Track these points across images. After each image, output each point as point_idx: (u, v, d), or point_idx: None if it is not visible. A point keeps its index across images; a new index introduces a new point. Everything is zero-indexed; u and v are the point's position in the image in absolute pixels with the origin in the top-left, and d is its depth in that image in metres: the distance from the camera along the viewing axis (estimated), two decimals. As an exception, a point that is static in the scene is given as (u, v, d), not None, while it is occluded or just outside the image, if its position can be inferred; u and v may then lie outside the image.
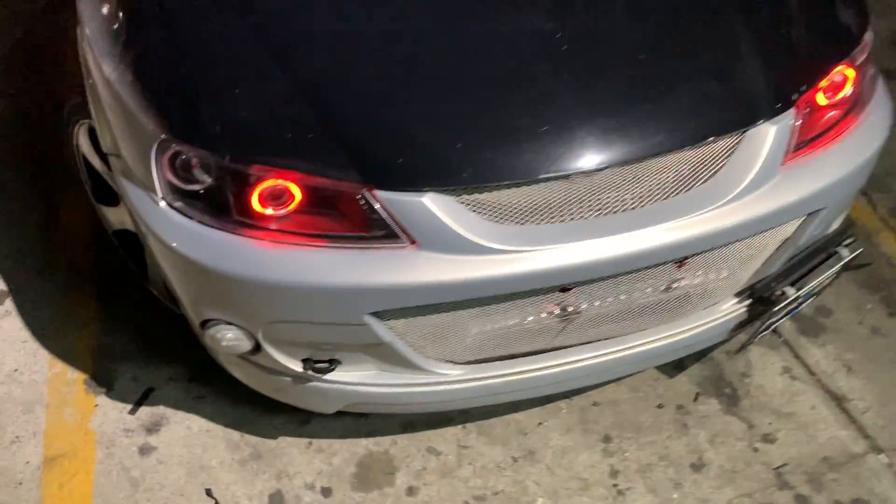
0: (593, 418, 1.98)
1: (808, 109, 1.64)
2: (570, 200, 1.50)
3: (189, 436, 1.97)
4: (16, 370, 2.12)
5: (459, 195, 1.45)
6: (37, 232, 2.43)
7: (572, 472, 1.89)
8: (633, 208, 1.53)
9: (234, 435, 1.97)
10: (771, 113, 1.57)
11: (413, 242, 1.46)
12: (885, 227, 2.41)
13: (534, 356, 1.70)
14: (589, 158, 1.47)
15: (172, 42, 1.57)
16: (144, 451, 1.95)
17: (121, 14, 1.66)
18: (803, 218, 1.70)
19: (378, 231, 1.46)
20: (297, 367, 1.64)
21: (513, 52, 1.55)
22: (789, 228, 1.71)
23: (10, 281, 2.31)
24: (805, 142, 1.65)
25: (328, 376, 1.65)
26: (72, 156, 2.15)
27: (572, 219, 1.50)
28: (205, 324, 1.62)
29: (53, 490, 1.88)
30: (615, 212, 1.52)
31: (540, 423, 1.98)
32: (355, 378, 1.67)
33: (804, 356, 2.10)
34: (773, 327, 1.87)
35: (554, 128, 1.48)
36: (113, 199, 2.06)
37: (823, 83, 1.65)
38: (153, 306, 2.17)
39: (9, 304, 2.26)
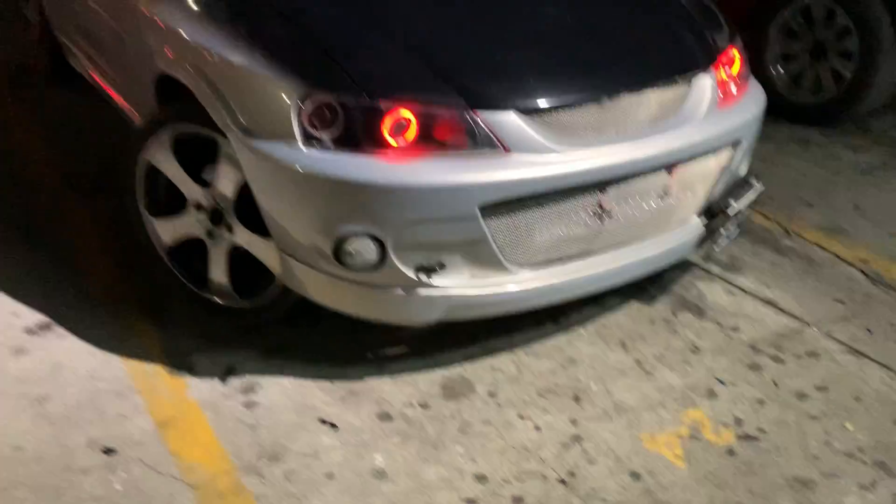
0: (607, 334, 2.50)
1: (721, 76, 2.44)
2: (602, 120, 2.13)
3: (285, 390, 2.22)
4: (92, 373, 2.26)
5: (532, 114, 2.04)
6: (75, 258, 2.65)
7: (607, 365, 2.37)
8: (641, 127, 2.20)
9: (325, 384, 2.25)
10: (706, 64, 2.37)
11: (506, 149, 2.00)
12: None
13: (581, 259, 2.23)
14: (609, 88, 2.14)
15: (299, 19, 2.07)
16: (249, 405, 2.17)
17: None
18: (731, 148, 2.45)
19: (480, 141, 1.99)
20: (411, 273, 2.04)
21: (555, 22, 2.26)
22: (724, 157, 2.45)
23: (55, 309, 2.47)
24: (723, 97, 2.43)
25: (434, 280, 2.06)
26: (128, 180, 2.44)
27: (605, 133, 2.14)
28: (342, 241, 1.98)
29: (177, 442, 2.03)
30: (632, 129, 2.18)
31: (570, 343, 2.45)
32: (454, 282, 2.09)
33: (736, 283, 2.79)
34: (726, 241, 2.54)
35: (585, 70, 2.14)
36: (173, 209, 2.38)
37: (725, 57, 2.48)
38: (209, 312, 2.44)
39: (60, 329, 2.41)
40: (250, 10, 2.13)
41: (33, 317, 2.44)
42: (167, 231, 2.42)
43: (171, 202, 2.40)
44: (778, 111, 4.15)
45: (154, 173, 2.39)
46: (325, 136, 1.97)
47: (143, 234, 2.45)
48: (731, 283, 2.79)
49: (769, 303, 2.70)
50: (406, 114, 1.96)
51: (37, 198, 3.13)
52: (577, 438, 2.10)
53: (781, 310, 2.66)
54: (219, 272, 2.37)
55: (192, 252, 2.42)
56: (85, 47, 3.39)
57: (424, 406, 2.19)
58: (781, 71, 4.20)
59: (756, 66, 4.18)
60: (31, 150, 3.54)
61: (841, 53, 3.97)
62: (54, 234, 2.87)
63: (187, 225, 2.38)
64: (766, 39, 4.17)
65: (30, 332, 2.39)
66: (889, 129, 4.19)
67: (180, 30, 2.23)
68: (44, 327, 2.41)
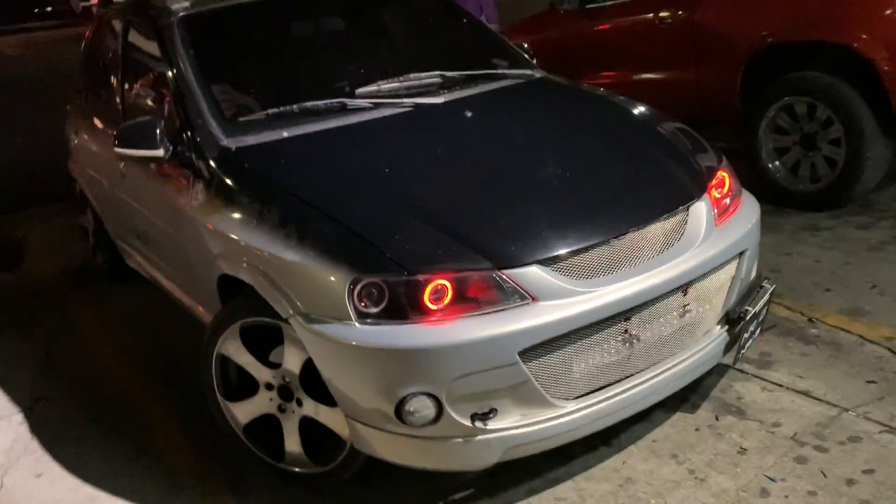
0: (658, 448, 2.66)
1: (715, 196, 2.71)
2: (614, 257, 2.39)
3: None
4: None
5: (551, 264, 2.30)
6: (157, 445, 2.90)
7: (662, 479, 2.51)
8: (650, 258, 2.45)
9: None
10: (699, 194, 2.63)
11: (533, 298, 2.26)
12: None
13: (620, 383, 2.43)
14: (615, 228, 2.41)
15: (332, 216, 2.39)
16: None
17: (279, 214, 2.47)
18: (737, 258, 2.68)
19: (509, 296, 2.25)
20: (467, 421, 2.25)
21: (553, 171, 2.57)
22: (732, 268, 2.68)
23: (146, 496, 2.70)
24: (720, 215, 2.69)
25: (489, 425, 2.27)
26: (206, 375, 2.73)
27: (619, 269, 2.39)
28: (402, 402, 2.22)
29: None
30: (642, 261, 2.43)
31: (624, 462, 2.61)
32: (508, 423, 2.30)
33: (770, 378, 2.95)
34: (749, 341, 2.73)
35: (591, 215, 2.42)
36: (245, 391, 2.65)
37: (715, 180, 2.75)
38: (287, 480, 2.66)
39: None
40: (296, 214, 2.46)
41: (129, 508, 2.68)
42: (243, 412, 2.68)
43: (243, 384, 2.67)
44: (784, 202, 4.44)
45: (225, 361, 2.67)
46: (373, 310, 2.24)
47: (222, 418, 2.71)
48: (765, 380, 2.95)
49: (804, 393, 2.85)
50: (442, 282, 2.23)
51: (112, 392, 3.42)
52: (645, 554, 2.24)
53: (817, 398, 2.81)
54: (293, 443, 2.61)
55: (266, 427, 2.67)
56: (144, 250, 3.78)
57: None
58: (779, 164, 4.48)
59: (755, 164, 4.52)
60: (101, 346, 3.88)
61: (830, 141, 4.25)
62: (134, 426, 3.14)
63: (260, 404, 2.63)
64: (759, 139, 4.48)
65: (129, 523, 2.62)
66: (891, 201, 4.40)
67: (238, 236, 2.56)
68: (141, 517, 2.64)
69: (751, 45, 4.43)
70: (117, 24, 3.89)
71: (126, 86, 3.70)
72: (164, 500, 2.69)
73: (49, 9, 19.03)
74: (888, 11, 3.89)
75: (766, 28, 4.39)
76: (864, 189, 4.28)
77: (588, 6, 5.53)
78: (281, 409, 2.61)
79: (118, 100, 3.72)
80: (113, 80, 3.80)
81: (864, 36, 3.95)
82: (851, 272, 3.69)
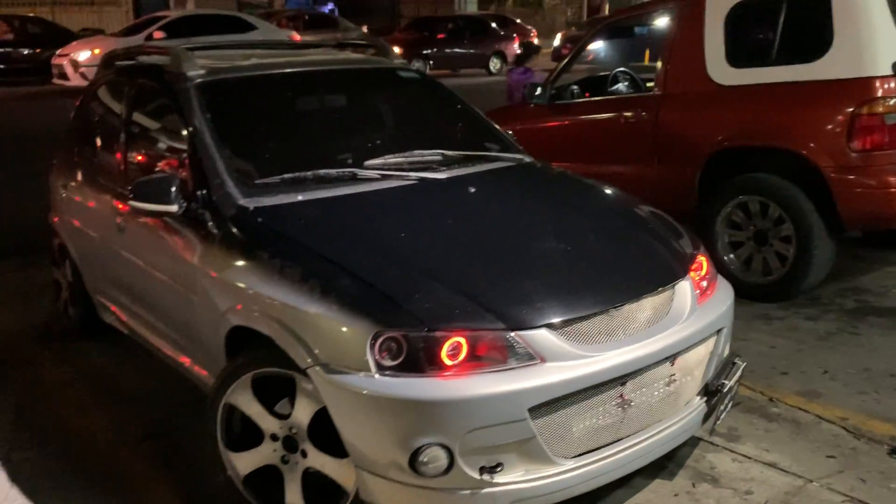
0: (640, 512, 2.82)
1: (695, 277, 2.97)
2: (611, 326, 2.60)
3: None
4: None
5: (558, 329, 2.49)
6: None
7: (649, 540, 2.66)
8: (643, 329, 2.67)
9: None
10: (683, 274, 2.89)
11: (542, 359, 2.43)
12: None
13: (613, 446, 2.60)
14: (614, 300, 2.62)
15: (354, 273, 2.54)
16: None
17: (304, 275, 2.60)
18: (715, 335, 2.92)
19: (520, 356, 2.42)
20: (476, 474, 2.37)
21: (555, 245, 2.80)
22: (711, 343, 2.92)
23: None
24: (700, 295, 2.95)
25: (496, 479, 2.39)
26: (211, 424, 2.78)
27: (616, 337, 2.59)
28: (416, 452, 2.33)
29: None
30: (634, 331, 2.64)
31: (610, 523, 2.76)
32: (513, 478, 2.43)
33: (739, 451, 3.17)
34: (724, 413, 2.94)
35: (593, 287, 2.64)
36: (248, 444, 2.71)
37: (695, 264, 3.02)
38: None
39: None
40: (318, 270, 2.60)
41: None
42: (244, 463, 2.73)
43: (245, 435, 2.74)
44: (737, 292, 4.72)
45: (231, 411, 2.74)
46: (391, 363, 2.38)
47: (222, 469, 2.75)
48: (735, 452, 3.16)
49: (771, 465, 3.06)
50: (459, 339, 2.39)
51: (91, 448, 3.39)
52: None
53: (783, 470, 3.03)
54: (294, 495, 2.66)
55: (264, 480, 2.72)
56: (129, 305, 3.82)
57: None
58: (733, 257, 4.84)
59: (711, 255, 4.85)
60: (75, 401, 3.84)
61: (781, 238, 4.63)
62: (118, 481, 3.12)
63: (264, 455, 2.70)
64: (716, 233, 4.84)
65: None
66: (834, 296, 4.78)
67: (257, 289, 2.68)
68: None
69: (709, 148, 4.84)
70: (123, 85, 4.03)
71: (130, 144, 3.81)
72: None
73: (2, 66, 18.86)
74: (832, 125, 4.34)
75: (722, 133, 4.82)
76: (812, 284, 4.65)
77: (557, 101, 5.93)
78: (284, 461, 2.68)
79: (120, 156, 3.83)
80: (115, 137, 3.91)
81: (812, 145, 4.39)
82: (804, 358, 3.99)
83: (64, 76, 15.76)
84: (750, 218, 4.75)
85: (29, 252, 6.02)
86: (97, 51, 14.83)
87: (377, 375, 2.37)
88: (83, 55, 15.51)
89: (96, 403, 3.80)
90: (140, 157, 3.76)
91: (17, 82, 18.44)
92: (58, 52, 16.37)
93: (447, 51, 20.95)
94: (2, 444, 3.42)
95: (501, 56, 21.23)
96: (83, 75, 14.56)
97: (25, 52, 18.72)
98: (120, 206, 3.65)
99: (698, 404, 2.89)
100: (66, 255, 4.50)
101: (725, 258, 4.83)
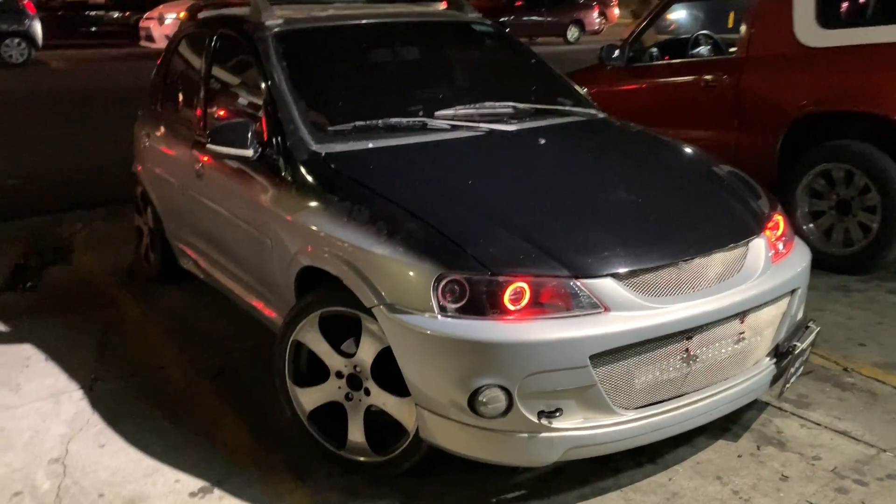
0: (702, 469, 2.78)
1: (770, 236, 2.88)
2: (680, 279, 2.55)
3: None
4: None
5: (625, 279, 2.46)
6: (217, 433, 3.03)
7: (709, 497, 2.63)
8: (713, 283, 2.61)
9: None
10: (758, 230, 2.81)
11: (605, 308, 2.41)
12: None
13: (675, 400, 2.57)
14: (684, 252, 2.58)
15: (420, 217, 2.57)
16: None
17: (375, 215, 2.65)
18: (789, 296, 2.84)
19: (583, 304, 2.40)
20: (534, 418, 2.38)
21: (627, 196, 2.75)
22: (784, 304, 2.83)
23: (210, 475, 2.81)
24: (775, 254, 2.86)
25: (554, 423, 2.40)
26: (280, 360, 2.87)
27: (685, 290, 2.55)
28: (476, 392, 2.35)
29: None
30: (705, 286, 2.59)
31: (670, 479, 2.73)
32: (571, 424, 2.43)
33: (808, 418, 3.08)
34: (794, 376, 2.86)
35: (664, 238, 2.60)
36: (314, 380, 2.78)
37: (771, 223, 2.93)
38: (346, 468, 2.78)
39: (218, 492, 2.74)
40: (386, 213, 2.64)
41: (193, 483, 2.78)
42: (310, 399, 2.81)
43: (312, 372, 2.81)
44: (815, 263, 4.58)
45: (298, 349, 2.81)
46: (454, 306, 2.40)
47: (289, 403, 2.84)
48: (804, 418, 3.08)
49: (843, 433, 2.97)
50: (521, 284, 2.39)
51: (168, 380, 3.55)
52: (693, 562, 2.35)
53: (855, 438, 2.94)
54: (356, 432, 2.73)
55: (328, 417, 2.80)
56: (206, 250, 3.94)
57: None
58: (813, 227, 4.67)
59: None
60: (154, 339, 4.02)
61: (865, 208, 4.44)
62: (191, 410, 3.26)
63: (329, 391, 2.77)
64: (795, 201, 4.67)
65: (192, 495, 2.72)
66: (920, 271, 4.57)
67: (327, 231, 2.73)
68: (204, 490, 2.74)
69: (793, 113, 4.66)
70: (204, 36, 4.13)
71: (209, 93, 3.91)
72: (225, 477, 2.80)
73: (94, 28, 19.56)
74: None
75: (807, 98, 4.62)
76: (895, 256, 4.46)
77: (634, 64, 5.80)
78: (348, 398, 2.74)
79: (199, 105, 3.94)
80: (195, 86, 4.02)
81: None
82: (885, 330, 3.83)
83: (150, 38, 16.28)
84: (833, 186, 4.56)
85: (116, 202, 6.32)
86: (182, 14, 15.21)
87: (440, 316, 2.40)
88: (169, 17, 15.95)
89: (173, 342, 3.96)
90: (218, 106, 3.85)
91: (107, 44, 19.15)
92: (145, 15, 16.88)
93: (524, 18, 20.70)
94: (86, 375, 3.61)
95: (580, 25, 20.84)
96: (168, 37, 14.98)
97: (115, 15, 19.37)
98: (198, 153, 3.77)
99: (767, 365, 2.82)
100: (148, 202, 4.67)
101: (805, 227, 4.67)
